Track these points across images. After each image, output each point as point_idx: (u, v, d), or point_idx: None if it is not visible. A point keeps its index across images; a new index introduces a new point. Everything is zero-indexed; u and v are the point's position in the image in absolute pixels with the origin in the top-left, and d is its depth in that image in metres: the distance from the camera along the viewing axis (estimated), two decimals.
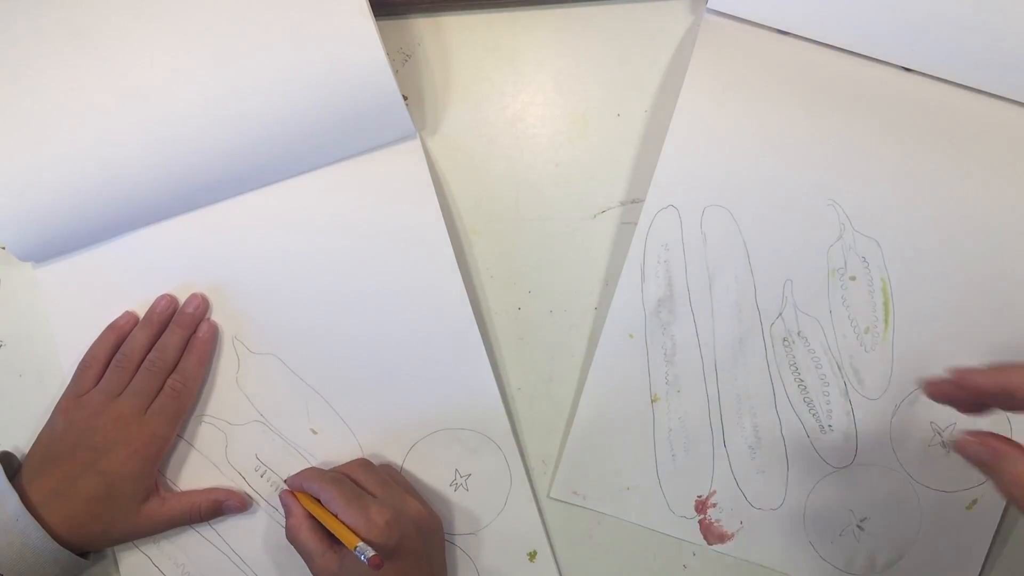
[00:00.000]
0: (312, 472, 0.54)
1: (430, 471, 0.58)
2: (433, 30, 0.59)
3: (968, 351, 0.56)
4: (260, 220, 0.59)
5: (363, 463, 0.56)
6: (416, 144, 0.58)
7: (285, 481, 0.57)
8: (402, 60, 0.59)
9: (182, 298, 0.58)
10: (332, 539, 0.51)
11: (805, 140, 0.57)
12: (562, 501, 0.58)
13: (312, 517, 0.52)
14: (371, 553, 0.47)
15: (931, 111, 0.57)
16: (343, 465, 0.56)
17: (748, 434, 0.57)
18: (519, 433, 0.58)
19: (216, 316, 0.59)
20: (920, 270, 0.56)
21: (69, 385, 0.56)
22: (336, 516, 0.51)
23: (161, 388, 0.55)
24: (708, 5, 0.57)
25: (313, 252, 0.58)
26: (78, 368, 0.56)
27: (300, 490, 0.54)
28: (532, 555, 0.57)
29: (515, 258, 0.59)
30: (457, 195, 0.60)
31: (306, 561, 0.52)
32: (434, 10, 0.59)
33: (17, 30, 0.53)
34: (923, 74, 0.57)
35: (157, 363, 0.55)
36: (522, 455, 0.58)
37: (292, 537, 0.52)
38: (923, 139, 0.57)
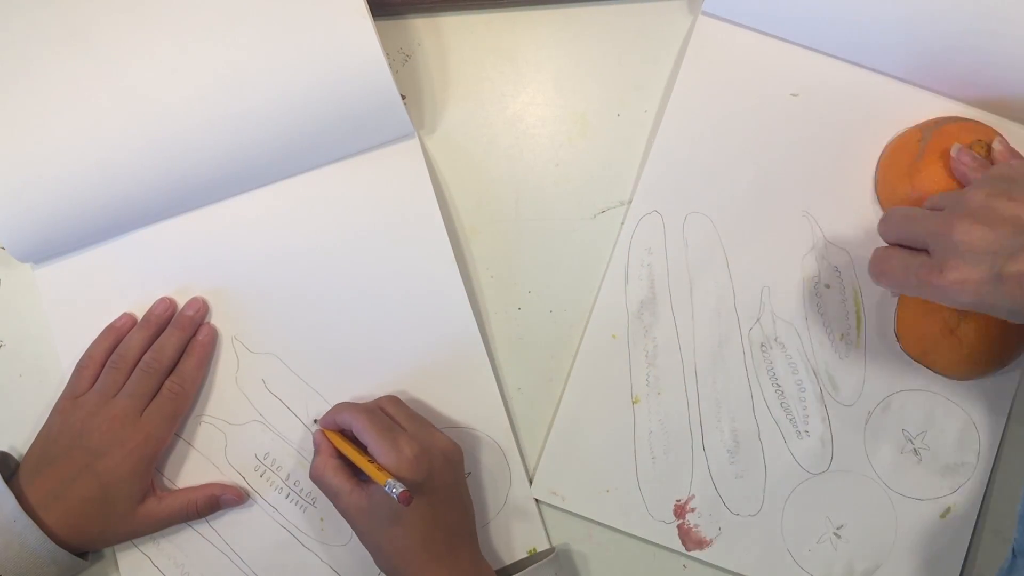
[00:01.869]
0: (343, 405, 0.55)
1: None
2: (433, 30, 0.59)
3: None
4: (259, 220, 0.59)
5: (393, 398, 0.56)
6: (415, 143, 0.58)
7: (316, 421, 0.57)
8: (402, 60, 0.59)
9: (181, 298, 0.58)
10: (359, 477, 0.51)
11: (785, 149, 0.58)
12: (541, 502, 0.58)
13: (339, 456, 0.52)
14: (401, 488, 0.47)
15: (910, 120, 0.57)
16: (374, 400, 0.56)
17: (727, 438, 0.57)
18: (519, 432, 0.58)
19: (215, 316, 0.58)
20: None
21: (66, 386, 0.56)
22: (367, 448, 0.51)
23: (158, 389, 0.55)
24: (703, 8, 0.57)
25: (313, 252, 0.58)
26: (75, 369, 0.56)
27: (332, 426, 0.54)
28: (532, 553, 0.58)
29: (515, 258, 0.59)
30: (457, 195, 0.60)
31: (332, 499, 0.52)
32: (434, 10, 0.59)
33: (15, 30, 0.53)
34: (912, 83, 0.57)
35: (153, 364, 0.55)
36: (521, 454, 0.58)
37: (318, 475, 0.52)
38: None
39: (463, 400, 0.58)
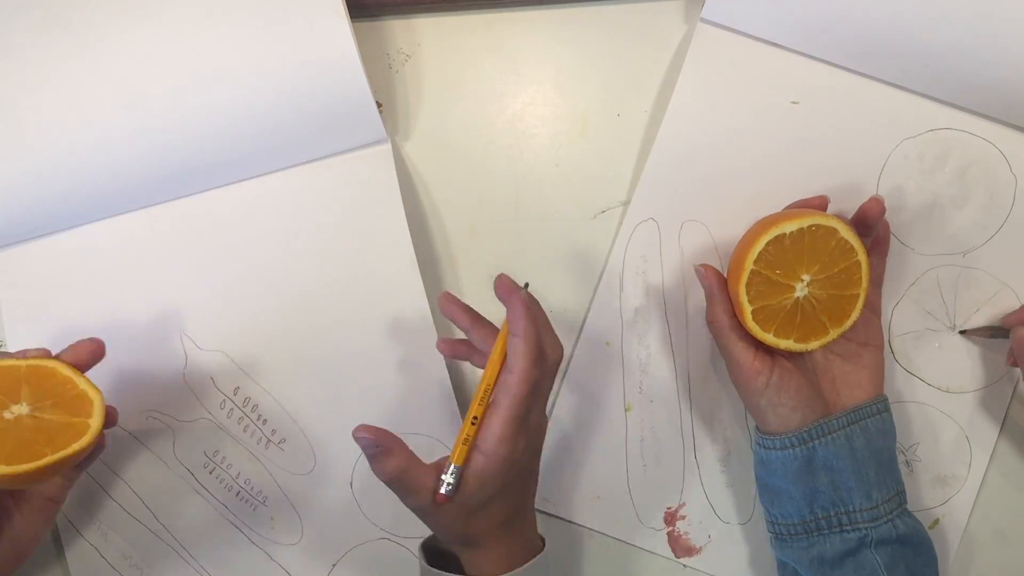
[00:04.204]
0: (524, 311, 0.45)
1: None
2: (433, 30, 0.60)
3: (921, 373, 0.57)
4: (223, 217, 0.57)
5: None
6: (387, 148, 0.56)
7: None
8: (402, 60, 0.59)
9: (135, 290, 0.55)
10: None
11: (785, 157, 0.57)
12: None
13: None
14: (443, 489, 0.44)
15: (911, 128, 0.57)
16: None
17: (719, 447, 0.57)
18: None
19: (165, 310, 0.56)
20: None
21: None
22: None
23: None
24: (702, 15, 0.58)
25: (273, 251, 0.56)
26: None
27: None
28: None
29: (515, 258, 0.58)
30: (457, 195, 0.58)
31: (412, 499, 0.44)
32: (434, 10, 0.59)
33: None
34: (914, 91, 0.58)
35: None
36: None
37: (396, 476, 0.44)
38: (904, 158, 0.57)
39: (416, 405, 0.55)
